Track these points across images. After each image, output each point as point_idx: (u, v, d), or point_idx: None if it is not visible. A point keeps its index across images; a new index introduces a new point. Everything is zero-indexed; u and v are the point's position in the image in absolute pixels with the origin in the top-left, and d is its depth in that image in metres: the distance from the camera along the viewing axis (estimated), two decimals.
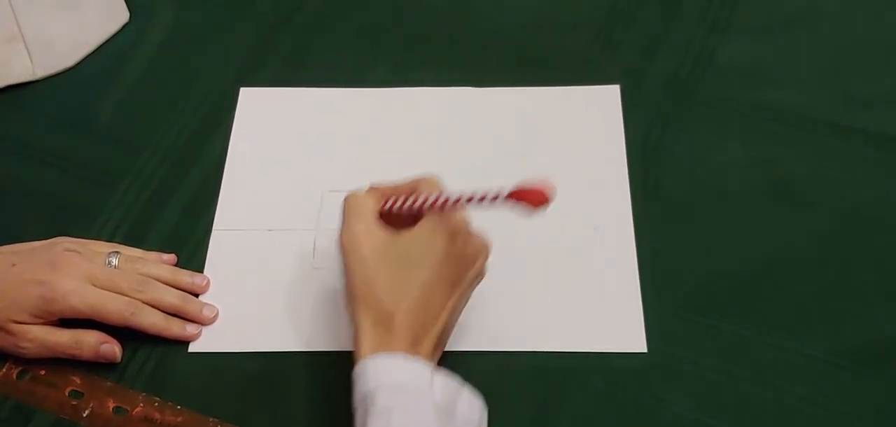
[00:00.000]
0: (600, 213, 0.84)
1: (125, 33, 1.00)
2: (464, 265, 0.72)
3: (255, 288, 0.82)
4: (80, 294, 0.76)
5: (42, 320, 0.76)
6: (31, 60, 0.95)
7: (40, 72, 0.96)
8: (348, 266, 0.72)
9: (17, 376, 0.77)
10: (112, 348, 0.77)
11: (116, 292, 0.77)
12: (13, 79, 0.95)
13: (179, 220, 0.86)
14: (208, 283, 0.81)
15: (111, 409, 0.75)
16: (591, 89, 0.92)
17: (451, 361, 0.73)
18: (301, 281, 0.82)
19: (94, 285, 0.77)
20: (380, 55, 0.96)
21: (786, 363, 0.76)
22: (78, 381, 0.76)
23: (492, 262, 0.77)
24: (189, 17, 1.01)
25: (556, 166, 0.86)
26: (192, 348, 0.78)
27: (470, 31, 0.98)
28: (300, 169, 0.89)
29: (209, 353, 0.78)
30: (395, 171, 0.82)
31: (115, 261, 0.79)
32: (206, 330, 0.79)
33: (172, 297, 0.79)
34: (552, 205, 0.80)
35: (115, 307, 0.77)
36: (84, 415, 0.75)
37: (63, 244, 0.79)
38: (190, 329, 0.79)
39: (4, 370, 0.77)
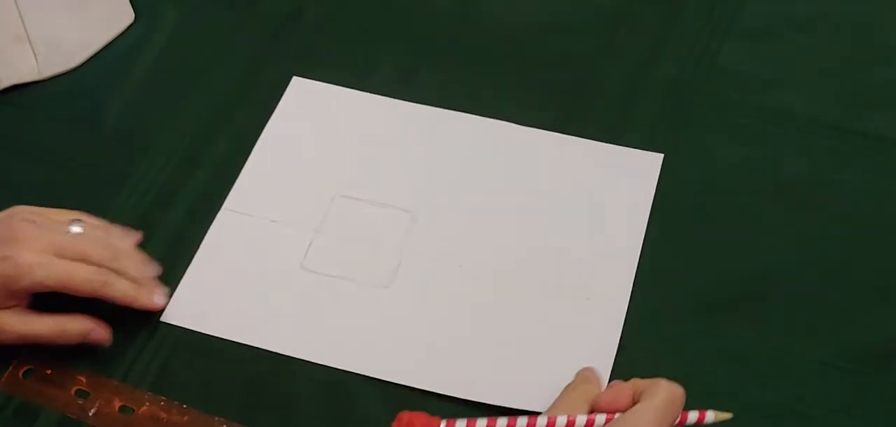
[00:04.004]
0: (597, 285, 0.80)
1: (130, 34, 1.00)
2: None
3: (243, 274, 0.82)
4: (45, 266, 0.73)
5: (11, 301, 0.73)
6: (37, 61, 0.96)
7: (46, 72, 0.96)
8: None
9: (22, 375, 0.77)
10: (101, 333, 0.75)
11: (85, 262, 0.75)
12: (19, 79, 0.95)
13: (183, 221, 0.86)
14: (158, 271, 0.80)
15: (117, 408, 0.75)
16: (633, 153, 0.88)
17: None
18: (288, 278, 0.82)
19: (60, 256, 0.74)
20: (384, 56, 0.97)
21: (787, 366, 0.76)
22: (84, 380, 0.76)
23: (476, 309, 0.79)
24: (194, 18, 1.01)
25: (571, 224, 0.84)
26: (165, 318, 0.79)
27: (474, 34, 0.98)
28: (321, 167, 0.89)
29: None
30: (412, 191, 0.85)
31: (77, 228, 0.77)
32: (189, 306, 0.80)
33: (137, 271, 0.78)
34: (552, 263, 0.81)
35: (84, 277, 0.74)
36: (90, 414, 0.75)
37: (20, 214, 0.76)
38: (158, 299, 0.78)
39: (10, 369, 0.77)
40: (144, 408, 0.75)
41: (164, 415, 0.75)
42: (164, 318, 0.79)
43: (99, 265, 0.75)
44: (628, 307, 0.79)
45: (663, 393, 0.67)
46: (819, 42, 0.96)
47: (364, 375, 0.76)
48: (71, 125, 0.93)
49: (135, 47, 0.99)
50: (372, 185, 0.87)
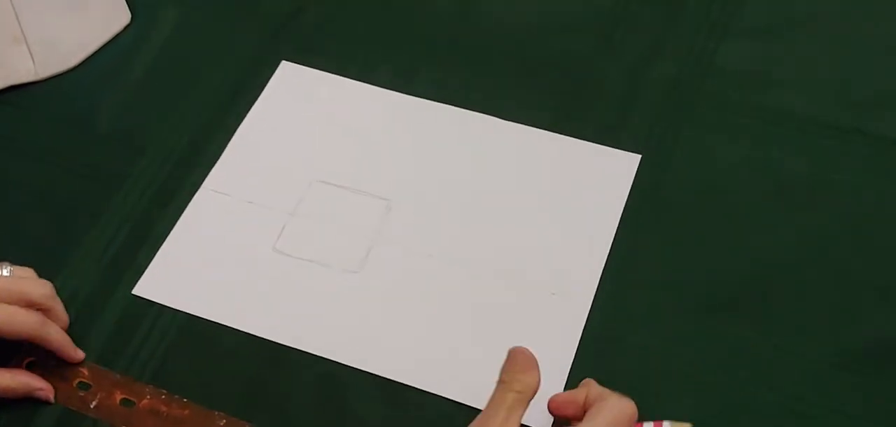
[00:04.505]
0: (563, 282, 0.81)
1: (127, 34, 1.00)
2: None
3: (215, 253, 0.83)
4: None
5: None
6: (34, 61, 0.96)
7: (43, 72, 0.96)
8: None
9: (26, 367, 0.76)
10: (46, 393, 0.75)
11: (26, 299, 0.74)
12: (16, 79, 0.95)
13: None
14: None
15: (118, 400, 0.75)
16: (610, 152, 0.88)
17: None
18: (259, 259, 0.82)
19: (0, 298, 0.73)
20: (383, 56, 0.97)
21: (786, 365, 0.76)
22: (86, 372, 0.77)
23: (441, 299, 0.80)
24: (191, 18, 1.01)
25: (542, 219, 0.84)
26: (136, 292, 0.81)
27: (474, 34, 0.98)
28: (302, 151, 0.89)
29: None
30: (389, 180, 0.85)
31: (6, 271, 0.76)
32: (160, 281, 0.81)
33: (65, 314, 0.77)
34: (521, 258, 0.81)
35: (24, 320, 0.73)
36: (91, 406, 0.75)
37: None
38: (79, 354, 0.77)
39: (14, 361, 0.77)
40: (145, 401, 0.75)
41: (164, 408, 0.75)
42: (135, 291, 0.81)
43: (39, 302, 0.75)
44: (628, 307, 0.79)
45: (608, 412, 0.64)
46: (819, 42, 0.96)
47: (351, 366, 0.76)
48: (69, 125, 0.93)
49: (133, 47, 0.99)
50: (350, 172, 0.87)
